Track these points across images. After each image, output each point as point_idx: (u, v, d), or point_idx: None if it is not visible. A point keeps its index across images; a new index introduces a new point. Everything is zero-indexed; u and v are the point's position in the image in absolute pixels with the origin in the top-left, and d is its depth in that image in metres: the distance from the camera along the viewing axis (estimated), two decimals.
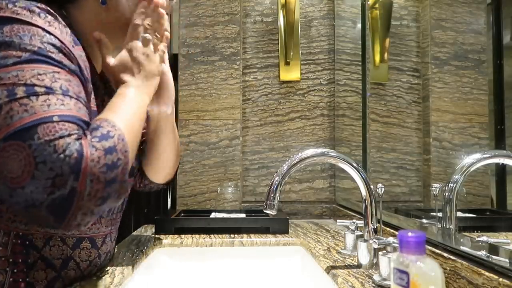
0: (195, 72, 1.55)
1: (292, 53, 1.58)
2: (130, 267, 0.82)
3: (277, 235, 1.16)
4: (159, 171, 0.90)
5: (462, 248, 0.68)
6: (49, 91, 0.51)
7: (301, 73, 1.62)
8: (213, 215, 1.32)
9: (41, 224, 0.52)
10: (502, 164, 0.75)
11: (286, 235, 1.17)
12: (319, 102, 1.62)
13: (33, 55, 0.52)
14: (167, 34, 0.74)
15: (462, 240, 0.72)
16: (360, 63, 1.35)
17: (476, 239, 0.70)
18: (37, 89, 0.51)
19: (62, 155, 0.47)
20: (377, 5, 1.29)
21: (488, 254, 0.62)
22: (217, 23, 1.57)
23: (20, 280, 0.59)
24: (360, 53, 1.35)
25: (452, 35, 0.91)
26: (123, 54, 0.68)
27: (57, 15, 0.59)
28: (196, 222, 1.20)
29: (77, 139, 0.50)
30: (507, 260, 0.58)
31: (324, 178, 1.60)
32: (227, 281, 1.10)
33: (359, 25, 1.40)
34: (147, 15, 0.69)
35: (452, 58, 0.90)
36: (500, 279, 0.56)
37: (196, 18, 1.56)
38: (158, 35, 0.71)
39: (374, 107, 1.26)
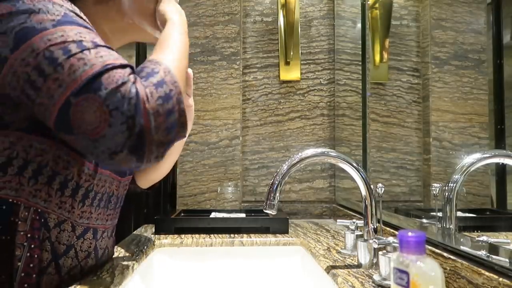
0: (195, 72, 1.55)
1: (292, 53, 1.58)
2: (130, 267, 0.82)
3: (277, 235, 1.16)
4: (149, 181, 0.93)
5: (462, 248, 0.68)
6: (96, 44, 0.55)
7: (301, 73, 1.62)
8: (213, 215, 1.32)
9: (127, 165, 0.54)
10: (502, 164, 0.75)
11: (286, 235, 1.17)
12: (319, 102, 1.62)
13: (64, 18, 0.55)
14: None
15: (462, 240, 0.72)
16: (360, 63, 1.35)
17: (476, 239, 0.70)
18: (86, 44, 0.54)
19: (127, 99, 0.50)
20: (377, 5, 1.29)
21: (488, 254, 0.62)
22: (217, 23, 1.57)
23: (36, 256, 0.59)
24: (360, 53, 1.35)
25: (452, 34, 0.91)
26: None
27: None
28: (196, 222, 1.20)
29: (133, 82, 0.53)
30: (507, 260, 0.58)
31: (324, 178, 1.60)
32: (227, 281, 1.10)
33: (359, 25, 1.40)
34: None
35: (452, 58, 0.90)
36: (500, 279, 0.56)
37: (196, 18, 1.56)
38: None
39: (374, 107, 1.26)
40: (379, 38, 1.27)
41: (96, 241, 0.71)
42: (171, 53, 0.62)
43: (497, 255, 0.61)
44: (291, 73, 1.61)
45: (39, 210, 0.60)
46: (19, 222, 0.58)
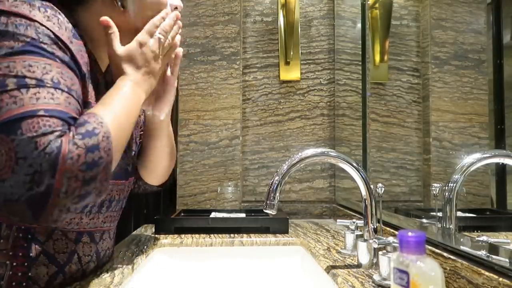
0: (195, 72, 1.55)
1: (292, 53, 1.58)
2: (130, 267, 0.82)
3: (277, 234, 1.16)
4: (153, 174, 0.91)
5: (462, 248, 0.68)
6: (40, 83, 0.52)
7: (301, 73, 1.62)
8: (213, 214, 1.32)
9: (19, 218, 0.52)
10: (502, 163, 0.75)
11: (286, 235, 1.17)
12: (319, 102, 1.62)
13: (25, 46, 0.53)
14: (178, 43, 0.75)
15: (462, 240, 0.72)
16: (360, 63, 1.35)
17: (476, 239, 0.70)
18: (28, 81, 0.51)
19: (42, 153, 0.48)
20: (377, 5, 1.29)
21: (488, 254, 0.62)
22: (217, 22, 1.57)
23: (20, 274, 0.59)
24: (360, 52, 1.35)
25: (452, 34, 0.91)
26: (133, 46, 0.68)
27: (61, 13, 0.60)
28: (196, 222, 1.20)
29: (59, 136, 0.50)
30: (507, 260, 0.58)
31: (324, 178, 1.60)
32: (227, 281, 1.10)
33: (359, 25, 1.40)
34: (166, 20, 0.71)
35: (452, 58, 0.90)
36: (500, 279, 0.56)
37: (196, 17, 1.56)
38: (170, 40, 0.72)
39: (374, 106, 1.26)
40: (379, 38, 1.27)
41: (96, 244, 0.71)
42: (117, 111, 0.59)
43: (497, 255, 0.61)
44: (291, 73, 1.61)
45: (22, 227, 0.59)
46: (1, 241, 0.57)
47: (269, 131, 1.60)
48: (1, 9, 0.54)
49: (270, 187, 0.80)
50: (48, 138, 0.48)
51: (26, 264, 0.59)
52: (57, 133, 0.49)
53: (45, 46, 0.54)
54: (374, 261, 0.81)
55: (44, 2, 0.58)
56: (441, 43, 0.94)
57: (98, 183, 0.52)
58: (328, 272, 0.82)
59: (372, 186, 0.84)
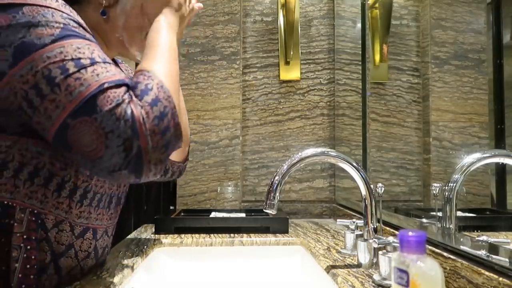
0: (195, 72, 1.55)
1: (292, 53, 1.58)
2: (130, 267, 0.82)
3: (277, 234, 1.16)
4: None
5: (462, 247, 0.68)
6: (93, 61, 0.55)
7: (301, 73, 1.62)
8: (213, 214, 1.32)
9: (126, 181, 0.56)
10: (502, 163, 0.75)
11: (286, 234, 1.17)
12: (319, 102, 1.62)
13: (63, 31, 0.55)
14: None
15: (462, 239, 0.72)
16: (360, 63, 1.35)
17: (476, 238, 0.70)
18: (83, 61, 0.54)
19: (123, 121, 0.52)
20: (377, 5, 1.29)
21: (488, 254, 0.62)
22: (217, 22, 1.57)
23: (33, 257, 0.59)
24: (360, 52, 1.35)
25: (452, 34, 0.91)
26: None
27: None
28: (196, 222, 1.20)
29: (128, 102, 0.53)
30: (507, 260, 0.58)
31: (324, 178, 1.60)
32: (227, 281, 1.10)
33: (359, 25, 1.40)
34: None
35: (452, 58, 0.90)
36: (500, 279, 0.56)
37: (196, 17, 1.56)
38: None
39: (374, 106, 1.26)
40: (379, 38, 1.27)
41: (96, 241, 0.71)
42: (162, 60, 0.63)
43: (497, 255, 0.61)
44: (291, 73, 1.61)
45: (35, 211, 0.60)
46: (15, 224, 0.58)
47: (269, 131, 1.60)
48: (17, 2, 0.55)
49: (270, 187, 0.80)
50: (122, 107, 0.52)
51: (36, 248, 0.60)
52: (126, 100, 0.53)
53: (76, 29, 0.57)
54: (374, 261, 0.81)
55: None
56: (441, 43, 0.94)
57: (173, 129, 0.57)
58: (328, 272, 0.82)
59: (372, 186, 0.84)
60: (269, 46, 1.63)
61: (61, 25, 0.55)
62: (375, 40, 1.29)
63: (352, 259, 0.89)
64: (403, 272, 0.47)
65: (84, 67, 0.53)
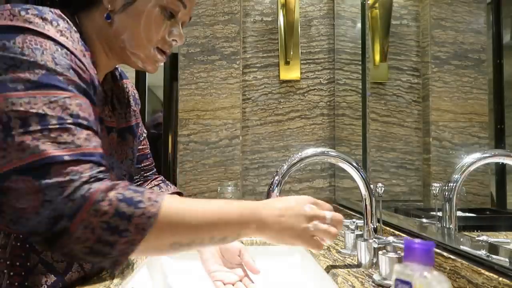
0: (195, 72, 1.55)
1: (292, 53, 1.58)
2: (130, 267, 0.82)
3: None
4: None
5: (462, 247, 0.68)
6: (61, 122, 0.51)
7: (301, 73, 1.62)
8: None
9: (39, 246, 0.54)
10: (502, 163, 0.75)
11: None
12: (319, 102, 1.62)
13: (42, 78, 0.51)
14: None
15: (462, 239, 0.72)
16: (360, 63, 1.35)
17: (476, 238, 0.70)
18: (50, 120, 0.50)
19: (67, 199, 0.48)
20: (377, 5, 1.29)
21: (488, 254, 0.62)
22: (217, 22, 1.57)
23: (17, 283, 0.58)
24: (360, 52, 1.35)
25: (452, 34, 0.91)
26: (301, 219, 0.62)
27: (70, 22, 0.59)
28: None
29: (87, 182, 0.49)
30: (507, 260, 0.58)
31: (324, 178, 1.60)
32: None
33: (359, 25, 1.40)
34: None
35: (452, 58, 0.90)
36: (500, 279, 0.56)
37: (196, 17, 1.56)
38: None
39: (374, 106, 1.26)
40: (379, 38, 1.27)
41: None
42: (189, 214, 0.54)
43: (497, 254, 0.61)
44: (291, 73, 1.61)
45: (21, 236, 0.58)
46: None
47: (269, 130, 1.60)
48: (16, 25, 0.53)
49: (270, 186, 0.80)
50: (74, 185, 0.49)
51: (23, 273, 0.58)
52: (84, 179, 0.49)
53: (60, 77, 0.53)
54: (374, 261, 0.81)
55: (53, 11, 0.57)
56: (441, 43, 0.94)
57: (115, 252, 0.50)
58: (328, 272, 0.82)
59: (372, 186, 0.84)
60: (269, 46, 1.63)
61: (43, 71, 0.52)
62: (375, 40, 1.29)
63: (352, 259, 0.89)
64: (406, 284, 0.43)
65: (48, 129, 0.50)
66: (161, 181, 0.97)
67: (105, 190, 0.50)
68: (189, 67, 1.55)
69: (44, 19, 0.55)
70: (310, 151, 0.83)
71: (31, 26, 0.54)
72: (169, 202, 0.52)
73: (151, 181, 0.95)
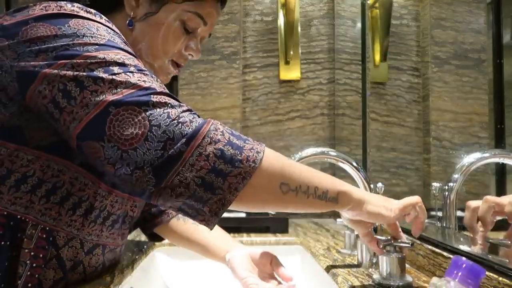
0: (195, 71, 1.55)
1: (292, 52, 1.58)
2: (130, 267, 0.82)
3: (277, 234, 1.16)
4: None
5: (462, 247, 0.68)
6: (140, 69, 0.53)
7: (301, 72, 1.62)
8: None
9: (136, 191, 0.50)
10: (502, 163, 0.75)
11: (286, 234, 1.17)
12: (319, 101, 1.62)
13: (108, 42, 0.53)
14: None
15: (462, 239, 0.72)
16: (360, 63, 1.35)
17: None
18: (129, 68, 0.52)
19: (175, 121, 0.48)
20: (377, 4, 1.29)
21: (488, 254, 0.62)
22: (217, 22, 1.57)
23: (37, 275, 0.58)
24: (360, 52, 1.35)
25: (452, 34, 0.91)
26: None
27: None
28: None
29: (187, 111, 0.50)
30: (507, 260, 0.58)
31: None
32: (227, 281, 1.10)
33: (359, 24, 1.40)
34: None
35: (452, 57, 0.90)
36: (500, 278, 0.56)
37: None
38: None
39: (374, 106, 1.26)
40: (379, 38, 1.27)
41: (103, 255, 0.70)
42: (296, 168, 0.54)
43: (497, 254, 0.61)
44: (291, 73, 1.61)
45: (47, 228, 0.58)
46: (25, 239, 0.57)
47: (269, 130, 1.60)
48: (66, 13, 0.54)
49: None
50: (178, 110, 0.50)
51: (43, 266, 0.59)
52: (184, 108, 0.50)
53: (121, 45, 0.55)
54: (374, 261, 0.81)
55: (93, 10, 0.59)
56: (441, 43, 0.94)
57: (226, 186, 0.48)
58: (328, 272, 0.82)
59: (372, 186, 0.84)
60: (269, 45, 1.63)
61: (105, 38, 0.54)
62: (375, 39, 1.29)
63: (352, 259, 0.89)
64: None
65: (130, 71, 0.51)
66: None
67: (219, 125, 0.50)
68: (189, 66, 1.55)
69: (88, 12, 0.57)
70: (310, 151, 0.83)
71: (80, 13, 0.55)
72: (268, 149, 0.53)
73: None
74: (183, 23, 0.67)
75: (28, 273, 0.57)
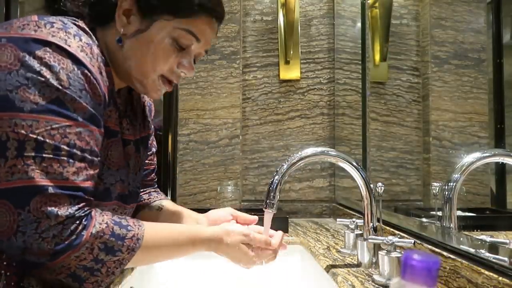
0: (195, 71, 1.55)
1: (292, 52, 1.58)
2: (129, 267, 0.81)
3: None
4: None
5: (462, 247, 0.68)
6: (56, 152, 0.52)
7: (301, 72, 1.62)
8: None
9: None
10: (502, 163, 0.75)
11: (286, 234, 1.17)
12: (319, 101, 1.62)
13: (51, 103, 0.52)
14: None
15: (461, 239, 0.72)
16: (360, 62, 1.35)
17: (476, 238, 0.70)
18: (46, 148, 0.51)
19: (38, 235, 0.50)
20: (377, 4, 1.29)
21: (488, 253, 0.62)
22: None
23: (13, 283, 0.58)
24: (360, 52, 1.35)
25: (452, 34, 0.91)
26: (243, 234, 0.73)
27: (92, 36, 0.60)
28: None
29: (61, 223, 0.51)
30: (506, 259, 0.58)
31: (324, 177, 1.60)
32: (227, 280, 1.10)
33: (359, 24, 1.40)
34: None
35: (452, 57, 0.90)
36: (500, 278, 0.56)
37: None
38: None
39: (374, 106, 1.26)
40: (379, 37, 1.27)
41: None
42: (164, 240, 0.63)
43: (497, 254, 0.61)
44: (291, 72, 1.61)
45: None
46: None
47: (269, 130, 1.60)
48: (39, 38, 0.53)
49: (270, 186, 0.80)
50: (48, 223, 0.50)
51: (20, 274, 0.58)
52: (60, 219, 0.51)
53: (68, 104, 0.53)
54: (374, 260, 0.81)
55: (78, 25, 0.58)
56: (441, 42, 0.94)
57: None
58: (328, 271, 0.82)
59: (372, 185, 0.84)
60: (269, 45, 1.63)
61: (54, 95, 0.52)
62: (375, 39, 1.29)
63: (352, 259, 0.89)
64: None
65: (41, 156, 0.51)
66: (152, 190, 0.95)
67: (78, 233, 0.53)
68: None
69: (67, 33, 0.55)
70: (310, 150, 0.83)
71: (54, 40, 0.54)
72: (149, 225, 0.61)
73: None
74: (174, 40, 0.65)
75: (5, 282, 0.57)
